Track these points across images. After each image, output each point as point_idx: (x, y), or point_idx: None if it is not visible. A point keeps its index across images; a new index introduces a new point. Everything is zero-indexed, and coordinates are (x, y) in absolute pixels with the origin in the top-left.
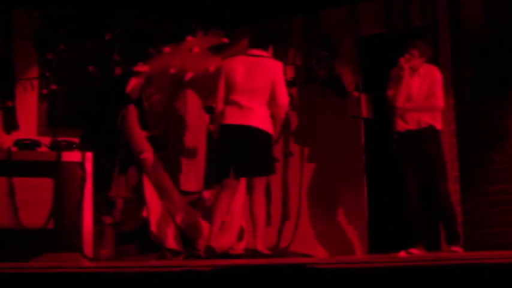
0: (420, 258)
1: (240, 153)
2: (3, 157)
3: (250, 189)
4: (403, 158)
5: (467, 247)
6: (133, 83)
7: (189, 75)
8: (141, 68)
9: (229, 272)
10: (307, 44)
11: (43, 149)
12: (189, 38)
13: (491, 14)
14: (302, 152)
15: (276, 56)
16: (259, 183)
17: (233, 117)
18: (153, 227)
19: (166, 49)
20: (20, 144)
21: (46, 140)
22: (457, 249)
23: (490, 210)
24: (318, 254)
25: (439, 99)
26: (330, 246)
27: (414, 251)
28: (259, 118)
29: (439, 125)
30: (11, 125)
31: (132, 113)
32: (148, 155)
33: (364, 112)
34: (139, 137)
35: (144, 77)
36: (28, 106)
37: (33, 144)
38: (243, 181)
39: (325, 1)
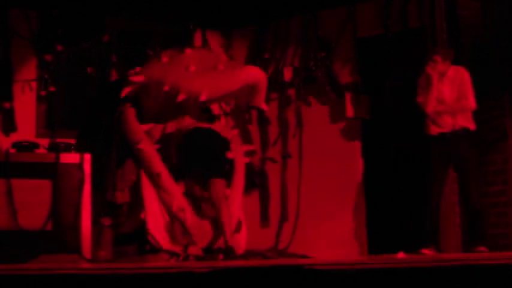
0: (418, 259)
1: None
2: (1, 159)
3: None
4: (434, 160)
5: (465, 248)
6: (127, 91)
7: (181, 97)
8: (136, 78)
9: (228, 273)
10: (305, 45)
11: (41, 150)
12: (188, 50)
13: (488, 15)
14: (300, 153)
15: (275, 57)
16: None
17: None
18: (151, 229)
19: (164, 57)
20: (19, 146)
21: (44, 142)
22: (484, 249)
23: (489, 211)
24: (317, 255)
25: (470, 100)
26: (328, 247)
27: (426, 251)
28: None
29: (472, 126)
30: (9, 127)
31: (130, 109)
32: (145, 145)
33: (362, 113)
34: (137, 128)
35: (138, 86)
36: (26, 108)
37: (32, 146)
38: (240, 180)
39: (323, 2)
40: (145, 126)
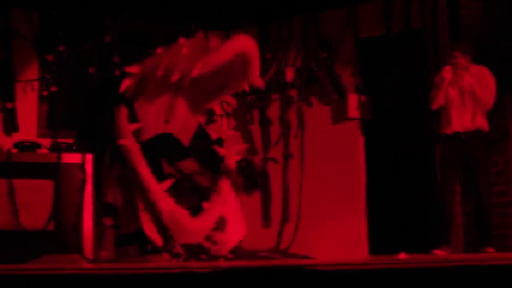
0: (420, 260)
1: None
2: (3, 159)
3: None
4: (443, 160)
5: (467, 248)
6: (126, 84)
7: (175, 77)
8: (133, 69)
9: (229, 274)
10: (306, 45)
11: (43, 150)
12: (181, 40)
13: (489, 15)
14: (302, 153)
15: (276, 57)
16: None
17: None
18: (146, 230)
19: (159, 50)
20: (20, 146)
21: (46, 142)
22: (492, 250)
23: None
24: (318, 255)
25: (491, 97)
26: (329, 247)
27: (439, 252)
28: None
29: (487, 127)
30: (11, 127)
31: (122, 111)
32: (127, 142)
33: (364, 114)
34: (123, 127)
35: (136, 78)
36: (28, 108)
37: (34, 146)
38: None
39: (325, 2)
40: (133, 126)
